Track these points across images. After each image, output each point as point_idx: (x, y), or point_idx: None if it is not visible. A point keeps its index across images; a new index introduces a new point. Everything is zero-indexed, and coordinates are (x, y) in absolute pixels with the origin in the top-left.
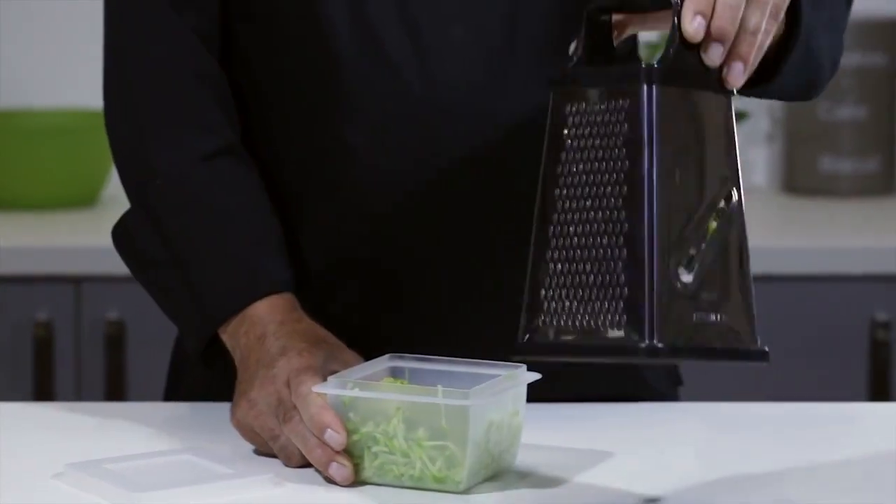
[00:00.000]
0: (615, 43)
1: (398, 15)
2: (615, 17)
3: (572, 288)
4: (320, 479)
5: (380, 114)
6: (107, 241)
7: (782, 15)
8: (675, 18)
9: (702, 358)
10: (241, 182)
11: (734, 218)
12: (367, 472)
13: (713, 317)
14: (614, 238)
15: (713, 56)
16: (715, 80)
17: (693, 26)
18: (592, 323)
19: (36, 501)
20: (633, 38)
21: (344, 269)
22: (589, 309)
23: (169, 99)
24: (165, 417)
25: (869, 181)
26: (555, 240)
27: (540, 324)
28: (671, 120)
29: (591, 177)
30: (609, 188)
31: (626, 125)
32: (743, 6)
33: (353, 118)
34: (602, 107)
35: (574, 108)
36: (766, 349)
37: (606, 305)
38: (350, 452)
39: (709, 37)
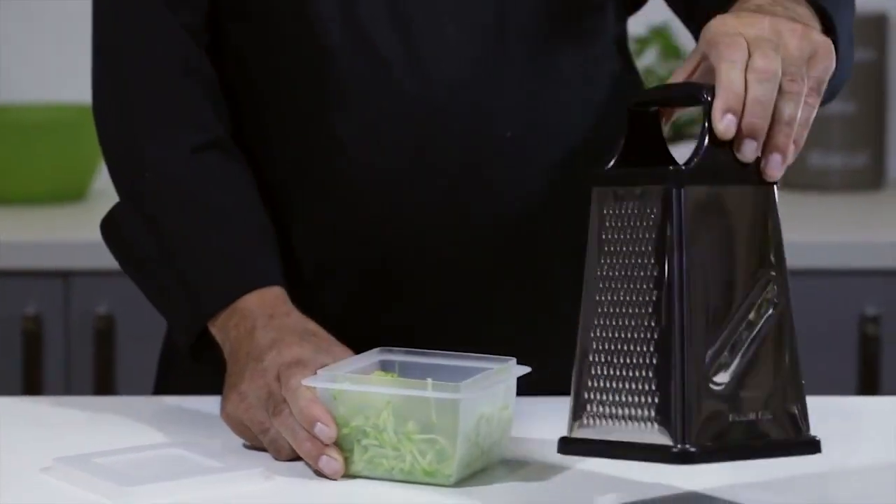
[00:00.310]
0: (664, 128)
1: (388, 14)
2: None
3: (611, 392)
4: (310, 472)
5: (374, 112)
6: (96, 235)
7: (825, 86)
8: (706, 118)
9: (741, 458)
10: (231, 176)
11: (778, 308)
12: (357, 465)
13: (753, 414)
14: (646, 344)
15: (746, 153)
16: (753, 173)
17: (724, 124)
18: (630, 425)
19: (25, 496)
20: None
21: (336, 267)
22: (626, 412)
23: (160, 95)
24: (155, 411)
25: (858, 176)
26: (595, 343)
27: (583, 423)
28: (703, 220)
29: (627, 281)
30: (642, 292)
31: (655, 229)
32: (775, 97)
33: (347, 116)
34: (634, 210)
35: (610, 211)
36: (816, 438)
37: (641, 409)
38: (340, 446)
39: (740, 133)
